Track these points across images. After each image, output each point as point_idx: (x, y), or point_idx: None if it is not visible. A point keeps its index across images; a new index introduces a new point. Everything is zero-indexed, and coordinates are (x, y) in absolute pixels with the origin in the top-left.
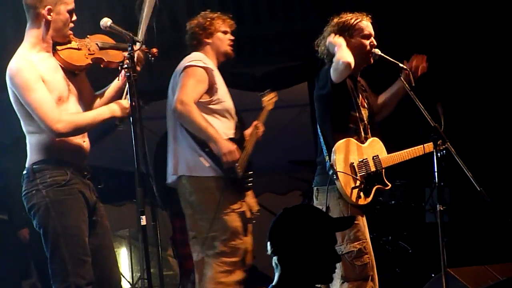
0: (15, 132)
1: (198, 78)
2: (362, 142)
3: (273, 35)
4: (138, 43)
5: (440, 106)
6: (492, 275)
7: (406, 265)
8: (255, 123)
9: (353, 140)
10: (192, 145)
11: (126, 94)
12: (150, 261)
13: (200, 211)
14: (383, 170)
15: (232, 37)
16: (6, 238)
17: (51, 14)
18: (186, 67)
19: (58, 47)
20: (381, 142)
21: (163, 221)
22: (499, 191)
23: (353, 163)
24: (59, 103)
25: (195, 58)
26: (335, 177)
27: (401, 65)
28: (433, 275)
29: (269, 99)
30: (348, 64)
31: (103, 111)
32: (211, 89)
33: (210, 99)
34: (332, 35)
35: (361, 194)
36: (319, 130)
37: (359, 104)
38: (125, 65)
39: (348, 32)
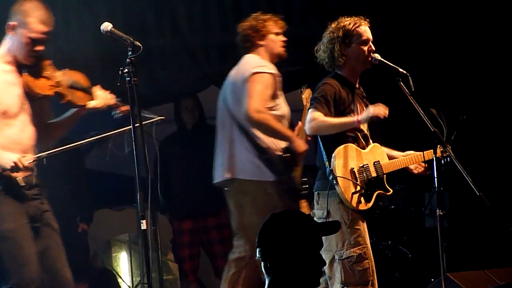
0: None
1: (266, 85)
2: (363, 148)
3: None
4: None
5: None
6: (491, 279)
7: (406, 270)
8: (299, 125)
9: (353, 146)
10: (252, 151)
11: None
12: (150, 265)
13: (255, 214)
14: (385, 175)
15: (284, 38)
16: None
17: (15, 30)
18: (254, 74)
19: (27, 69)
20: (382, 148)
21: (164, 225)
22: (498, 196)
23: (353, 168)
24: (2, 117)
25: (259, 63)
26: (335, 182)
27: (400, 70)
28: (432, 279)
29: (307, 96)
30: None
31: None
32: (274, 95)
33: (272, 104)
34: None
35: (362, 199)
36: (318, 136)
37: (358, 114)
38: (126, 70)
39: (347, 39)
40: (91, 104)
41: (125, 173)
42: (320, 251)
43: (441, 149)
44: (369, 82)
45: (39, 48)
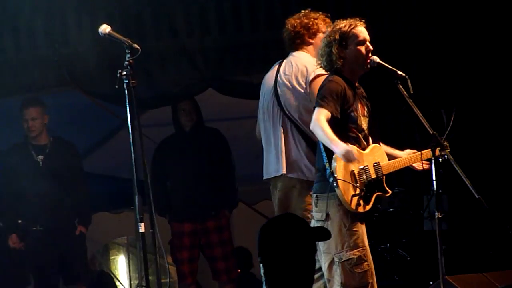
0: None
1: None
2: (363, 149)
3: (272, 42)
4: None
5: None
6: (490, 282)
7: (405, 273)
8: None
9: (353, 147)
10: (305, 150)
11: None
12: (148, 268)
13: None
14: (384, 177)
15: None
16: (2, 246)
17: None
18: (317, 76)
19: None
20: (382, 149)
21: (162, 227)
22: (497, 198)
23: (353, 170)
24: None
25: (315, 65)
26: (335, 184)
27: (399, 72)
28: (431, 282)
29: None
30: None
31: None
32: None
33: None
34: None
35: (361, 201)
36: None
37: (359, 113)
38: (124, 72)
39: (343, 41)
40: None
41: (123, 176)
42: (318, 254)
43: (440, 151)
44: (366, 84)
45: None
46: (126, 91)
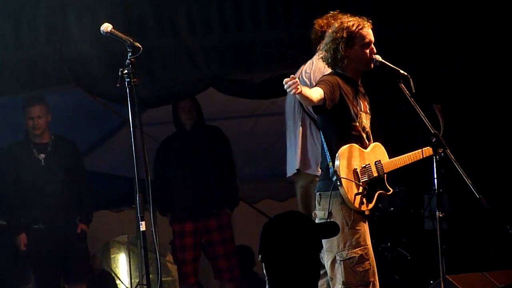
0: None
1: None
2: (365, 148)
3: (273, 42)
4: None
5: (439, 110)
6: (490, 282)
7: (405, 272)
8: None
9: (356, 146)
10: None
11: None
12: (149, 266)
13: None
14: (385, 175)
15: None
16: (3, 244)
17: None
18: None
19: None
20: (383, 147)
21: (163, 226)
22: (498, 198)
23: (356, 169)
24: None
25: None
26: (338, 183)
27: (401, 71)
28: (431, 282)
29: None
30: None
31: None
32: None
33: None
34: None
35: (364, 200)
36: (322, 136)
37: (361, 110)
38: (126, 71)
39: (350, 40)
40: None
41: (125, 175)
42: (321, 252)
43: (441, 151)
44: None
45: None
46: (127, 90)
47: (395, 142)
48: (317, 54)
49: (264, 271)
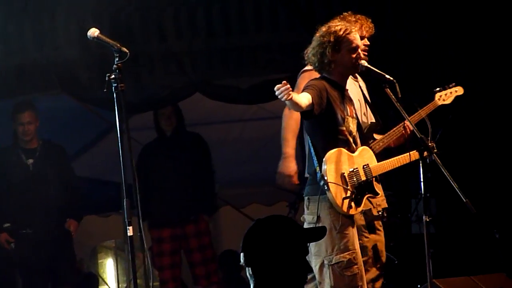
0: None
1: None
2: (352, 152)
3: (260, 46)
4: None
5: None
6: (477, 285)
7: (392, 276)
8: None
9: (343, 150)
10: None
11: None
12: (136, 272)
13: None
14: (373, 178)
15: (367, 43)
16: None
17: None
18: (303, 71)
19: None
20: (371, 151)
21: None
22: (484, 202)
23: (344, 173)
24: None
25: None
26: (326, 187)
27: (387, 76)
28: (419, 286)
29: (446, 94)
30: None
31: None
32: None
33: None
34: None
35: (352, 204)
36: (309, 141)
37: (348, 115)
38: (112, 76)
39: (337, 45)
40: None
41: (112, 180)
42: (309, 257)
43: (427, 155)
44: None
45: None
46: (114, 95)
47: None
48: None
49: (248, 275)
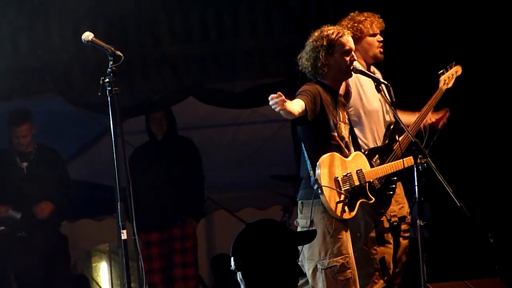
0: None
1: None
2: (346, 157)
3: (254, 51)
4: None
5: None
6: None
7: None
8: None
9: (337, 155)
10: None
11: None
12: (130, 275)
13: None
14: (367, 184)
15: (381, 38)
16: None
17: None
18: None
19: None
20: (364, 156)
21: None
22: (478, 206)
23: (337, 177)
24: None
25: None
26: (320, 191)
27: (381, 80)
28: None
29: (449, 76)
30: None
31: None
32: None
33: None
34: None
35: (346, 208)
36: (303, 145)
37: (340, 120)
38: (107, 80)
39: (330, 49)
40: None
41: (106, 183)
42: (302, 260)
43: (422, 160)
44: None
45: None
46: (108, 98)
47: None
48: None
49: (239, 280)
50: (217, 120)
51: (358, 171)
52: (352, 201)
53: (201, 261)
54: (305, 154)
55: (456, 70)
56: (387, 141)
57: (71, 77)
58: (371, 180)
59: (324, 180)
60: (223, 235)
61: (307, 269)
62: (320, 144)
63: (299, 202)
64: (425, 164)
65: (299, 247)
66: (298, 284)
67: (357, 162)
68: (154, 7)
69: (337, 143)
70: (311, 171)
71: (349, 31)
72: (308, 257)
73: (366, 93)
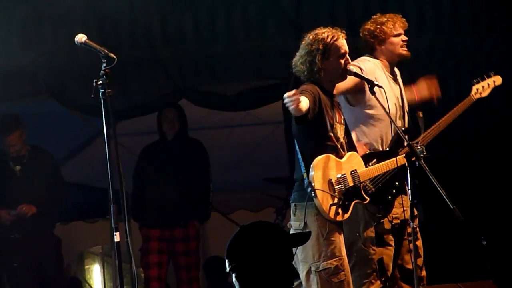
0: None
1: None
2: (341, 158)
3: (248, 53)
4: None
5: (421, 115)
6: None
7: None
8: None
9: (331, 156)
10: None
11: None
12: (123, 278)
13: None
14: (361, 184)
15: (405, 38)
16: None
17: None
18: None
19: None
20: (359, 156)
21: (136, 234)
22: (471, 209)
23: (331, 179)
24: None
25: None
26: (313, 194)
27: (375, 82)
28: None
29: (483, 86)
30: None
31: None
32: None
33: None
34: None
35: (339, 210)
36: (297, 147)
37: (336, 121)
38: (100, 82)
39: (326, 52)
40: None
41: (99, 185)
42: (296, 263)
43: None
44: None
45: None
46: (102, 100)
47: None
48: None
49: (234, 282)
50: (210, 122)
51: (353, 172)
52: (346, 203)
53: None
54: (299, 156)
55: (494, 80)
56: (391, 146)
57: (64, 80)
58: (366, 183)
59: (318, 183)
60: (216, 238)
61: (301, 272)
62: (316, 145)
63: (292, 204)
64: (416, 164)
65: (293, 249)
66: (293, 286)
67: (352, 162)
68: (148, 10)
69: (333, 143)
70: (305, 173)
71: (343, 34)
72: (302, 260)
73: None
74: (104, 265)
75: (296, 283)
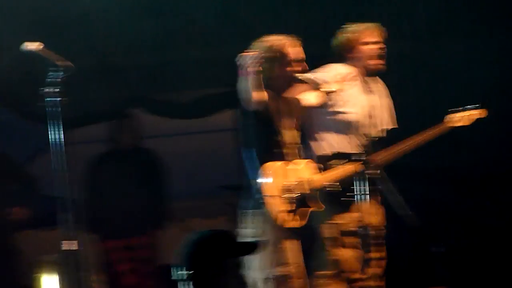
0: None
1: None
2: (293, 164)
3: (204, 61)
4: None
5: None
6: None
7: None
8: None
9: (282, 163)
10: None
11: None
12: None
13: None
14: (318, 192)
15: (377, 46)
16: None
17: None
18: None
19: None
20: (312, 163)
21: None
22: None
23: (282, 186)
24: None
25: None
26: (261, 201)
27: (331, 86)
28: None
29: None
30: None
31: None
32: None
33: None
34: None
35: (292, 216)
36: (248, 154)
37: (284, 127)
38: (50, 90)
39: (280, 60)
40: None
41: (51, 194)
42: (249, 271)
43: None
44: None
45: None
46: (52, 109)
47: None
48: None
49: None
50: (164, 130)
51: (305, 179)
52: (299, 209)
53: None
54: (250, 163)
55: (479, 112)
56: (355, 151)
57: (15, 88)
58: (322, 187)
59: (268, 189)
60: (172, 245)
61: (255, 279)
62: (266, 150)
63: (244, 212)
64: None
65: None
66: None
67: (303, 169)
68: (105, 16)
69: (283, 150)
70: (255, 180)
71: (297, 41)
72: (254, 268)
73: (351, 101)
74: (59, 274)
75: None
